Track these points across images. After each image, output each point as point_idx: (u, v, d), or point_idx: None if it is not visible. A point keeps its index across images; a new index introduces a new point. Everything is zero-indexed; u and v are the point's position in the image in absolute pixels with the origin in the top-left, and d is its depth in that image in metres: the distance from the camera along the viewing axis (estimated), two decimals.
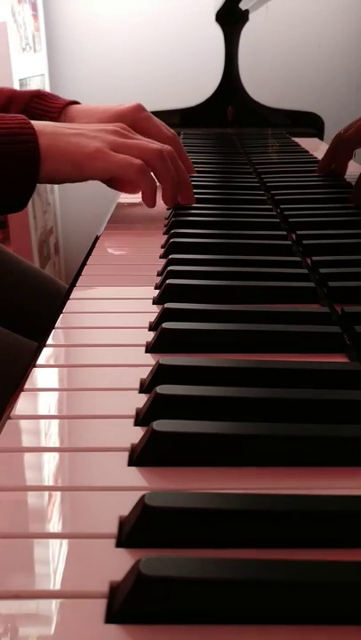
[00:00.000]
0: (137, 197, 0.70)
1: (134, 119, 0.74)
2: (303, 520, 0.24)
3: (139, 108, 0.76)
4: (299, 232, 0.59)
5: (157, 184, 0.66)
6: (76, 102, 0.84)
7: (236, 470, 0.28)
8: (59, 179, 0.64)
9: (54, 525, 0.25)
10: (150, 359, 0.37)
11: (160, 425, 0.28)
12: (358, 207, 0.68)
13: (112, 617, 0.21)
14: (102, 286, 0.50)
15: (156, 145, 0.65)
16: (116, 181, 0.66)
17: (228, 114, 1.34)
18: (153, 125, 0.76)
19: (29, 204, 0.69)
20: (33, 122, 0.62)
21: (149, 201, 0.66)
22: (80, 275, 0.52)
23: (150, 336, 0.40)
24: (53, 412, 0.33)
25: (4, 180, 0.60)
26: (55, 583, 0.22)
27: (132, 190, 0.67)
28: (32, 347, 0.64)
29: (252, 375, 0.34)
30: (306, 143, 1.12)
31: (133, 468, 0.28)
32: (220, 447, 0.28)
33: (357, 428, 0.29)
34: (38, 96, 0.83)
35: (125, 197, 0.76)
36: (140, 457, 0.28)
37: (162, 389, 0.31)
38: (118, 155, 0.62)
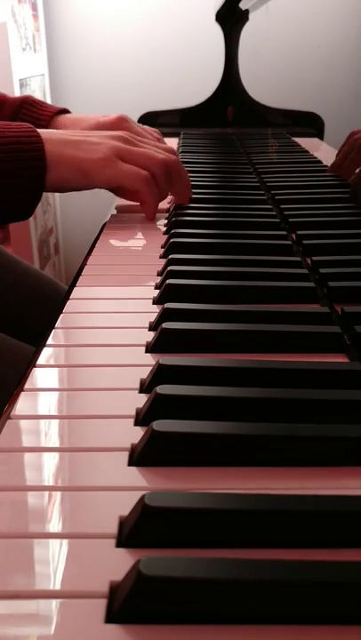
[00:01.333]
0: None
1: (115, 128, 0.74)
2: (303, 520, 0.24)
3: (122, 119, 0.76)
4: (299, 232, 0.59)
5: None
6: (65, 111, 0.85)
7: (236, 470, 0.28)
8: (66, 187, 0.64)
9: (54, 525, 0.25)
10: (150, 359, 0.37)
11: (160, 425, 0.28)
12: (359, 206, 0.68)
13: (112, 617, 0.21)
14: (102, 286, 0.50)
15: (161, 155, 0.65)
16: (121, 190, 0.66)
17: (228, 114, 1.34)
18: (135, 129, 0.76)
19: None
20: (40, 130, 0.62)
21: (150, 213, 0.66)
22: (80, 275, 0.52)
23: (150, 336, 0.40)
24: (53, 412, 0.33)
25: (10, 188, 0.60)
26: (55, 583, 0.22)
27: (135, 199, 0.67)
28: (29, 352, 0.64)
29: (252, 375, 0.34)
30: (306, 143, 1.12)
31: (133, 468, 0.28)
32: (220, 447, 0.28)
33: (357, 428, 0.29)
34: (28, 102, 0.83)
35: None
36: (140, 457, 0.28)
37: (162, 389, 0.31)
38: (126, 164, 0.63)
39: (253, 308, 0.43)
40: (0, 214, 0.62)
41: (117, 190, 0.67)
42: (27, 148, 0.60)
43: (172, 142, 1.19)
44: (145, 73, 2.07)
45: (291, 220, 0.63)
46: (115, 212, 0.72)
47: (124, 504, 0.25)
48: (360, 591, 0.20)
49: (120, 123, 0.75)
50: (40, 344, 0.40)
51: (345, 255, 0.53)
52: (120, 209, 0.72)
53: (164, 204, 0.70)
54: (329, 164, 0.90)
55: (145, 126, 0.81)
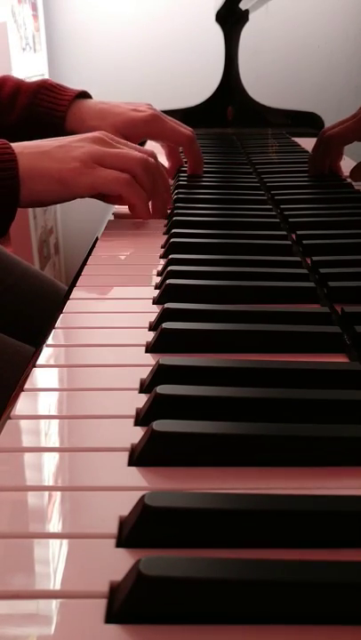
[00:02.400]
0: None
1: (149, 127, 0.73)
2: (303, 520, 0.24)
3: (155, 117, 0.74)
4: (299, 232, 0.59)
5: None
6: (85, 93, 0.82)
7: (236, 470, 0.28)
8: (47, 200, 0.62)
9: (54, 525, 0.25)
10: (150, 359, 0.37)
11: (160, 425, 0.28)
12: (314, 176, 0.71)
13: (112, 617, 0.21)
14: (102, 286, 0.50)
15: (138, 154, 0.63)
16: (104, 196, 0.65)
17: (228, 114, 1.34)
18: (168, 128, 0.75)
19: None
20: (14, 145, 0.59)
21: (142, 214, 0.64)
22: (80, 275, 0.52)
23: (150, 336, 0.40)
24: (53, 412, 0.33)
25: None
26: (55, 583, 0.22)
27: (122, 203, 0.66)
28: (29, 352, 0.63)
29: (252, 375, 0.34)
30: (306, 143, 1.12)
31: (133, 468, 0.28)
32: (220, 447, 0.28)
33: (357, 428, 0.29)
34: (45, 87, 0.80)
35: None
36: (140, 457, 0.28)
37: (162, 389, 0.31)
38: (105, 169, 0.61)
39: (253, 308, 0.43)
40: None
41: (102, 197, 0.65)
42: None
43: None
44: (145, 73, 2.06)
45: (291, 220, 0.63)
46: (115, 212, 0.72)
47: (124, 504, 0.25)
48: (360, 591, 0.20)
49: (153, 121, 0.74)
50: (40, 344, 0.40)
51: (345, 255, 0.53)
52: (117, 215, 0.71)
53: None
54: None
55: (178, 122, 0.79)
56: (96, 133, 0.65)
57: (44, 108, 0.78)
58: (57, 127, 0.78)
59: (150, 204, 0.66)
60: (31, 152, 0.60)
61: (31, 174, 0.59)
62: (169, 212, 0.69)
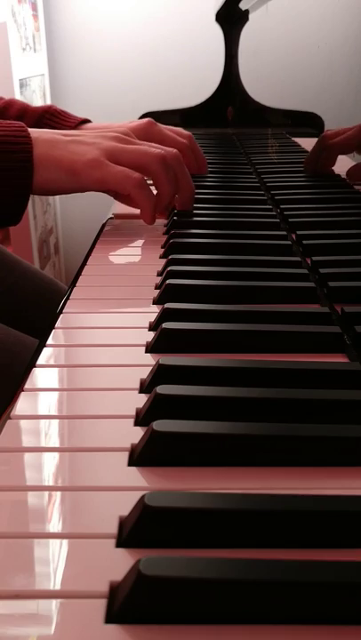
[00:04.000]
0: None
1: (147, 133, 0.73)
2: (303, 520, 0.24)
3: (151, 124, 0.74)
4: (299, 232, 0.59)
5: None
6: (87, 121, 0.83)
7: (236, 470, 0.28)
8: (55, 189, 0.62)
9: (54, 525, 0.25)
10: (150, 359, 0.37)
11: (160, 425, 0.28)
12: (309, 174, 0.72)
13: (112, 617, 0.21)
14: (102, 286, 0.50)
15: (156, 150, 0.63)
16: (115, 193, 0.65)
17: (228, 114, 1.34)
18: (166, 136, 0.75)
19: (29, 204, 0.69)
20: (30, 129, 0.60)
21: (147, 217, 0.62)
22: (80, 275, 0.52)
23: (150, 336, 0.40)
24: (53, 412, 0.33)
25: None
26: (55, 583, 0.22)
27: (129, 203, 0.65)
28: (31, 343, 0.64)
29: (252, 375, 0.34)
30: (306, 143, 1.12)
31: (133, 468, 0.28)
32: (220, 447, 0.28)
33: (357, 428, 0.29)
34: (50, 112, 0.82)
35: None
36: (140, 457, 0.28)
37: (162, 389, 0.31)
38: (117, 167, 0.60)
39: (253, 307, 0.43)
40: None
41: (113, 194, 0.65)
42: (14, 148, 0.58)
43: None
44: (145, 73, 2.07)
45: (291, 220, 0.63)
46: (115, 211, 0.72)
47: (124, 504, 0.25)
48: (360, 591, 0.20)
49: (150, 128, 0.74)
50: (40, 344, 0.40)
51: (345, 255, 0.53)
52: (117, 216, 0.71)
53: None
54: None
55: (177, 128, 0.79)
56: (115, 131, 0.65)
57: None
58: None
59: (177, 197, 0.65)
60: (47, 139, 0.60)
61: (44, 161, 0.59)
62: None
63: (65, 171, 0.60)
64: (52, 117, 0.81)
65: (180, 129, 0.80)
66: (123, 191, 0.61)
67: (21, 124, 0.60)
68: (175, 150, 0.65)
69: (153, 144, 0.65)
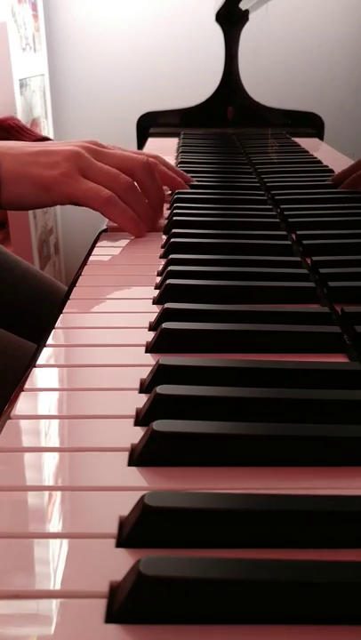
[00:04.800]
0: None
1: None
2: (303, 520, 0.24)
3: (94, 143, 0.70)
4: (299, 232, 0.59)
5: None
6: (47, 139, 0.81)
7: (236, 470, 0.28)
8: (25, 204, 0.61)
9: (54, 525, 0.25)
10: (150, 359, 0.37)
11: (160, 425, 0.28)
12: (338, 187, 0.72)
13: (112, 617, 0.21)
14: (102, 286, 0.50)
15: (137, 156, 0.61)
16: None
17: (228, 114, 1.34)
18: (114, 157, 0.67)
19: None
20: None
21: (130, 230, 0.61)
22: (80, 275, 0.52)
23: (150, 336, 0.40)
24: (53, 412, 0.33)
25: None
26: (55, 583, 0.22)
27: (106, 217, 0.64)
28: (31, 348, 0.63)
29: (252, 375, 0.34)
30: (306, 143, 1.12)
31: (133, 468, 0.28)
32: (220, 447, 0.28)
33: (357, 428, 0.29)
34: (8, 125, 0.80)
35: None
36: (140, 457, 0.28)
37: (162, 389, 0.31)
38: (87, 183, 0.58)
39: (253, 307, 0.43)
40: None
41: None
42: None
43: (172, 142, 1.19)
44: (145, 73, 2.07)
45: (291, 220, 0.63)
46: None
47: (124, 504, 0.25)
48: (360, 591, 0.20)
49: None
50: (40, 344, 0.40)
51: (345, 255, 0.53)
52: (111, 229, 0.70)
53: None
54: (329, 165, 0.90)
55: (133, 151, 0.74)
56: (85, 141, 0.63)
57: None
58: None
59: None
60: (16, 154, 0.59)
61: (13, 177, 0.58)
62: (169, 212, 0.69)
63: (35, 186, 0.58)
64: (9, 130, 0.80)
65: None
66: (92, 208, 0.60)
67: None
68: (150, 158, 0.64)
69: (132, 151, 0.64)
